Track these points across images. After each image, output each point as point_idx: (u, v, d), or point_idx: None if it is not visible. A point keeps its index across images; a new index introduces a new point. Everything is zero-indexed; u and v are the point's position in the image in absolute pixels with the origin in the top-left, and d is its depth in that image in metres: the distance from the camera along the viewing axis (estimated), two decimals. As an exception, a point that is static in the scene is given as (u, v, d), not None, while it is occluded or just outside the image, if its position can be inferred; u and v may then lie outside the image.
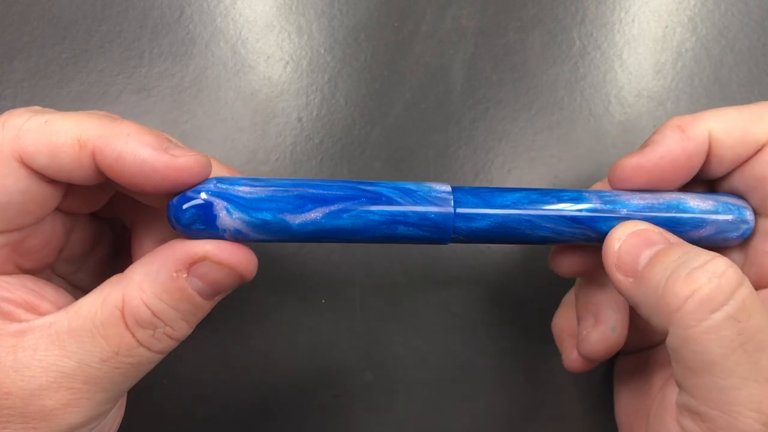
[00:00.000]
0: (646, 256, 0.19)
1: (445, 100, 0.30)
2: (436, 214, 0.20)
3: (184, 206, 0.19)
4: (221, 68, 0.30)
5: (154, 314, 0.18)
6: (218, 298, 0.20)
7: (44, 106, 0.29)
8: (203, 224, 0.19)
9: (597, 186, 0.24)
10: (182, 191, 0.19)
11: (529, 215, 0.21)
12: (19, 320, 0.19)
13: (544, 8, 0.31)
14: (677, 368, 0.18)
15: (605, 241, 0.20)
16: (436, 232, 0.20)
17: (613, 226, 0.21)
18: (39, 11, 0.30)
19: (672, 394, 0.21)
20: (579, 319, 0.24)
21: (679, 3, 0.31)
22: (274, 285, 0.28)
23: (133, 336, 0.18)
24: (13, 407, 0.18)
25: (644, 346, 0.26)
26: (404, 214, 0.20)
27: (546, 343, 0.28)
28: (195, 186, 0.19)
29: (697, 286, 0.17)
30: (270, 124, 0.30)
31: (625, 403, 0.25)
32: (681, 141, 0.21)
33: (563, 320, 0.26)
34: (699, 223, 0.21)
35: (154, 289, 0.18)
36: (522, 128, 0.30)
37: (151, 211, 0.23)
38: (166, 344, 0.19)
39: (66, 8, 0.30)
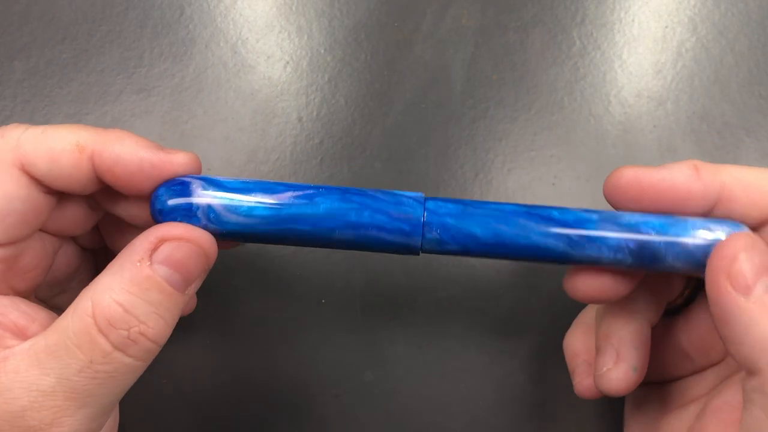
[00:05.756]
0: (764, 284, 0.18)
1: (445, 100, 0.30)
2: (407, 197, 0.20)
3: (167, 186, 0.20)
4: (221, 68, 0.30)
5: (126, 311, 0.18)
6: (191, 291, 0.19)
7: (44, 106, 0.30)
8: (179, 195, 0.19)
9: None
10: None
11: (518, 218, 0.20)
12: (5, 347, 0.19)
13: (544, 8, 0.31)
14: (760, 415, 0.18)
15: (722, 243, 0.19)
16: (406, 221, 0.20)
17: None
18: (39, 11, 0.30)
19: None
20: (599, 351, 0.23)
21: (679, 3, 0.31)
22: (274, 285, 0.28)
23: (107, 339, 0.18)
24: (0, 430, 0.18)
25: (660, 380, 0.25)
26: (374, 196, 0.20)
27: (546, 343, 0.28)
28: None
29: None
30: (270, 124, 0.30)
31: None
32: (689, 177, 0.20)
33: (579, 343, 0.25)
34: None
35: (122, 283, 0.18)
36: (522, 128, 0.30)
37: (137, 234, 0.23)
38: (143, 346, 0.18)
39: (66, 8, 0.30)
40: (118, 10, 0.30)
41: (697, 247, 0.20)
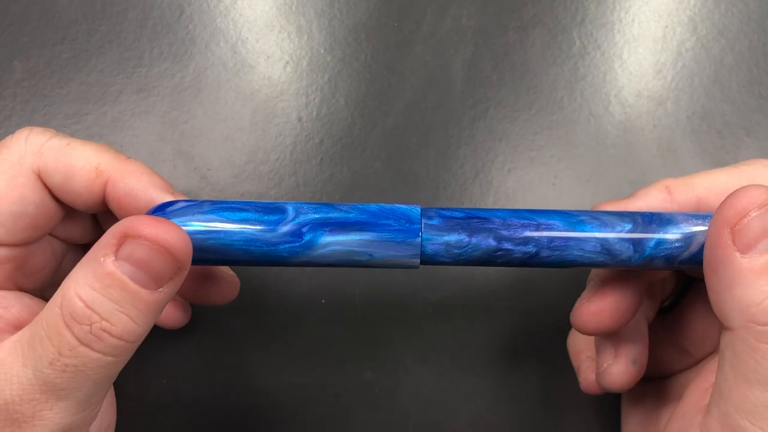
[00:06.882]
0: (765, 246, 0.17)
1: (445, 100, 0.30)
2: (401, 208, 0.19)
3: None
4: (221, 68, 0.30)
5: (87, 306, 0.17)
6: (165, 291, 0.18)
7: (44, 106, 0.29)
8: (173, 204, 0.19)
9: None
10: None
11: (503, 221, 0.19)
12: (0, 340, 0.18)
13: (544, 8, 0.31)
14: (729, 373, 0.18)
15: (737, 193, 0.18)
16: (403, 223, 0.19)
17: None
18: (39, 11, 0.30)
19: (695, 416, 0.20)
20: (598, 349, 0.24)
21: (679, 3, 0.31)
22: (274, 285, 0.28)
23: (72, 333, 0.17)
24: None
25: (658, 375, 0.25)
26: (366, 208, 0.19)
27: (546, 343, 0.28)
28: None
29: None
30: (270, 124, 0.30)
31: (633, 430, 0.25)
32: (663, 202, 0.21)
33: (581, 341, 0.26)
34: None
35: (86, 278, 0.17)
36: (522, 128, 0.30)
37: None
38: (108, 343, 0.17)
39: (66, 8, 0.30)
40: (118, 10, 0.30)
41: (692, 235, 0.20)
